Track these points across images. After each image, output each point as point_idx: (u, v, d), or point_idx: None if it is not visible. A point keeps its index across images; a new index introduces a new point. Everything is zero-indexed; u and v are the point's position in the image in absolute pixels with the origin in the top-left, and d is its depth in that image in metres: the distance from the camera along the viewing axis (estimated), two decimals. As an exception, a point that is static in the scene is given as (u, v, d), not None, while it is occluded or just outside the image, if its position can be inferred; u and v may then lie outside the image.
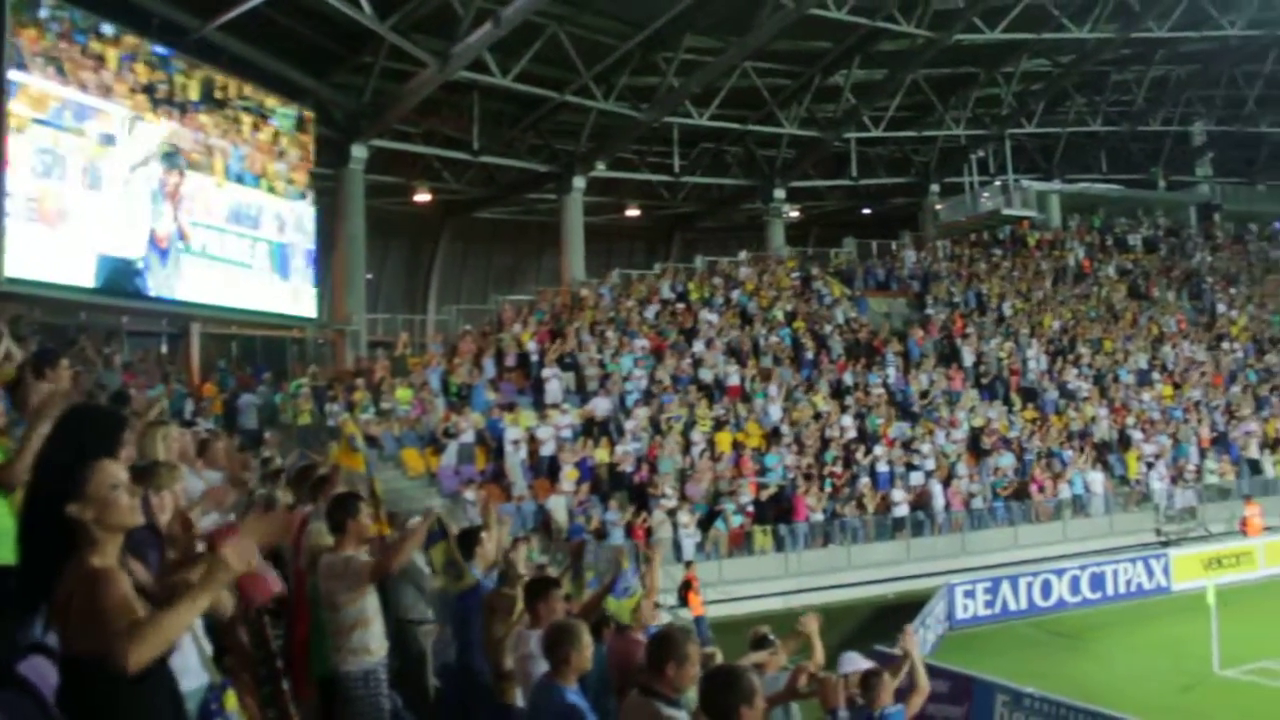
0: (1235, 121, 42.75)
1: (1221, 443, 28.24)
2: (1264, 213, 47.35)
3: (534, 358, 24.71)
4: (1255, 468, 27.72)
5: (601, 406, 23.40)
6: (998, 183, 37.07)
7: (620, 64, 29.18)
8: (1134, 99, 39.66)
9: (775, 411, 24.92)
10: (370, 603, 5.84)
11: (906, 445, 24.98)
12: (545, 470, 21.67)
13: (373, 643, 5.80)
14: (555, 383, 23.79)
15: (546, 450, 21.90)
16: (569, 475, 21.21)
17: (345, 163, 26.95)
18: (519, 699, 5.96)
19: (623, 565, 8.42)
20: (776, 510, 22.48)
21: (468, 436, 21.46)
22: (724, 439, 23.63)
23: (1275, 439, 28.78)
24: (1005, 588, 20.05)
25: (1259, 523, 23.87)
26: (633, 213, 39.23)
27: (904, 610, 17.57)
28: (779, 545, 22.13)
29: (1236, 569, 22.03)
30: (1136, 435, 27.58)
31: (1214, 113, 43.03)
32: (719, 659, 7.71)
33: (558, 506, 20.55)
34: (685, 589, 17.73)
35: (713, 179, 37.09)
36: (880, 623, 18.08)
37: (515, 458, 21.46)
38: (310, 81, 25.39)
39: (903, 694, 7.59)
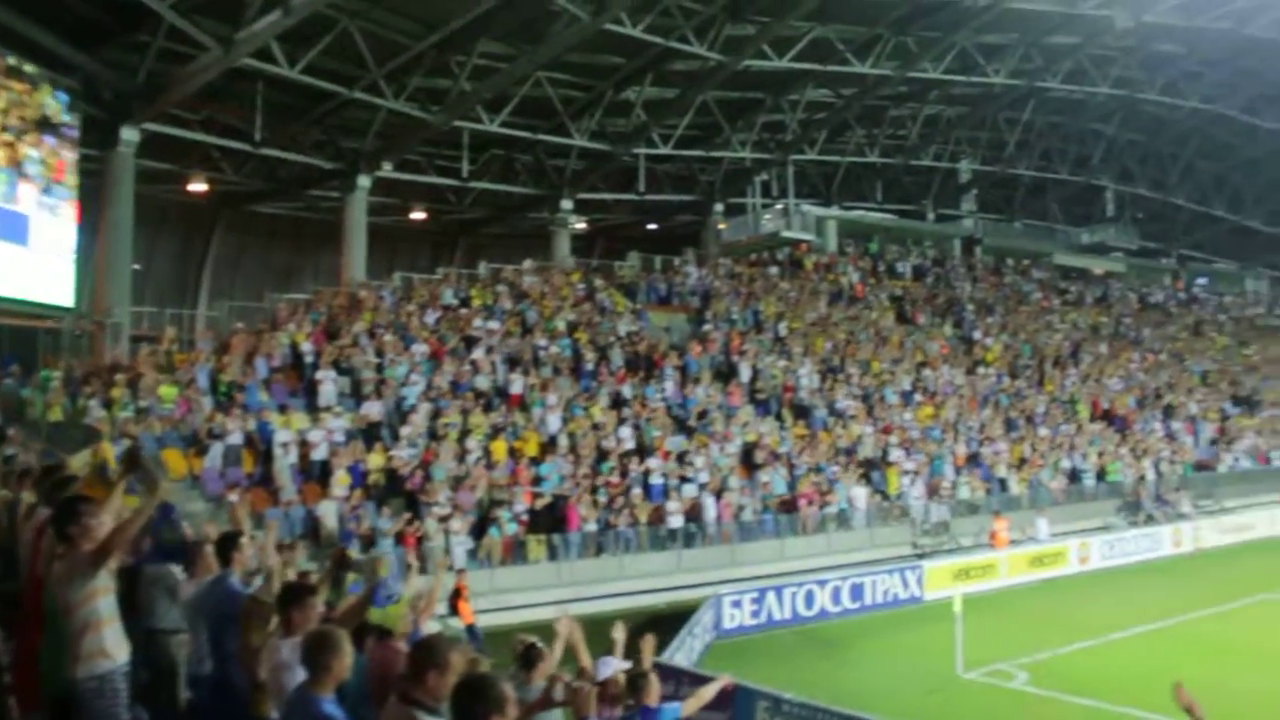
0: (997, 162, 45.83)
1: (974, 461, 29.92)
2: (1020, 248, 50.85)
3: (309, 359, 23.87)
4: (1003, 485, 29.52)
5: (376, 411, 22.80)
6: (779, 205, 38.26)
7: (412, 64, 28.63)
8: (909, 134, 41.85)
9: (553, 421, 24.83)
10: (105, 604, 5.36)
11: (681, 458, 25.34)
12: (316, 475, 20.91)
13: (109, 645, 5.31)
14: (330, 385, 23.03)
15: (318, 454, 21.17)
16: (341, 480, 20.54)
17: (114, 145, 25.32)
18: (274, 710, 5.59)
19: (382, 573, 8.14)
20: (550, 520, 22.37)
21: (235, 438, 20.51)
22: (500, 447, 23.36)
23: (1022, 459, 30.72)
24: (771, 598, 20.52)
25: (1006, 536, 25.43)
26: (418, 215, 38.61)
27: (675, 619, 17.84)
28: (552, 554, 22.01)
29: (982, 579, 23.39)
30: (898, 453, 28.87)
31: (979, 152, 45.96)
32: (486, 668, 7.55)
33: (328, 512, 19.87)
34: (456, 597, 17.40)
35: (501, 186, 36.89)
36: (652, 631, 18.24)
37: (285, 461, 20.61)
38: (78, 56, 23.67)
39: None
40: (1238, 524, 31.20)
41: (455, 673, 4.19)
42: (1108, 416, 35.78)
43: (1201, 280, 60.20)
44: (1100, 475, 31.67)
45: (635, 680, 7.54)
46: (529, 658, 7.47)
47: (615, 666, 8.23)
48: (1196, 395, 40.70)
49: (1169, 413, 37.78)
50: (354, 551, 17.77)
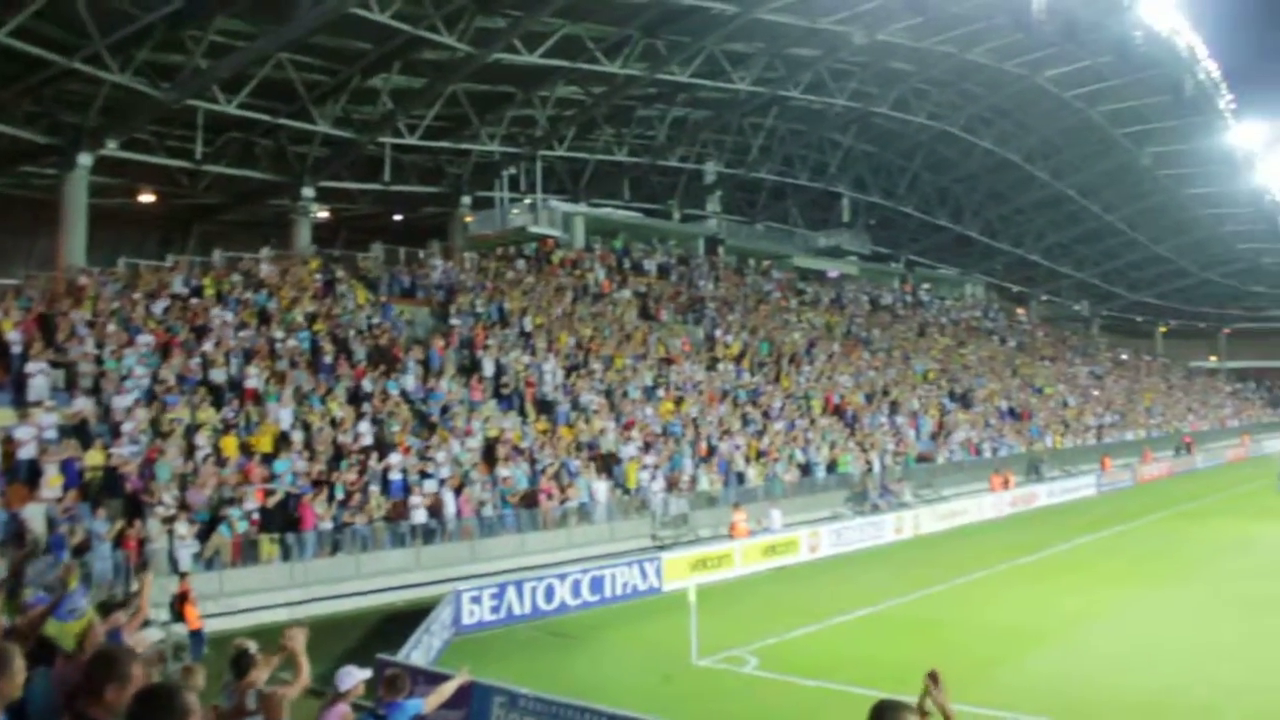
0: (741, 166, 47.30)
1: (713, 455, 30.74)
2: (761, 250, 52.83)
3: (15, 349, 21.86)
4: (740, 478, 30.47)
5: (91, 406, 21.15)
6: (527, 201, 38.13)
7: (141, 36, 26.47)
8: (656, 135, 42.57)
9: (288, 416, 23.78)
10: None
11: (422, 454, 24.80)
12: (23, 474, 19.16)
13: None
14: (41, 379, 21.19)
15: (26, 452, 19.40)
16: (51, 480, 18.94)
17: None
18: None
19: (70, 585, 7.51)
20: (284, 518, 21.41)
21: (-78, 436, 18.55)
22: (230, 443, 22.17)
23: (759, 452, 31.81)
24: (511, 593, 20.29)
25: (745, 527, 26.21)
26: (147, 199, 36.19)
27: (415, 616, 17.36)
28: (285, 554, 21.09)
29: (719, 569, 23.98)
30: (638, 448, 29.29)
31: (724, 155, 47.32)
32: (200, 676, 7.02)
33: (35, 514, 18.26)
34: (180, 601, 16.31)
35: (238, 170, 34.88)
36: (388, 630, 17.76)
37: (-15, 460, 18.82)
38: None
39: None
40: (952, 510, 33.45)
41: (137, 686, 3.76)
42: (839, 411, 37.61)
43: (926, 285, 64.47)
44: (831, 467, 33.21)
45: (393, 680, 7.71)
46: (240, 664, 7.03)
47: (357, 677, 7.89)
48: (919, 392, 43.42)
49: (894, 408, 40.10)
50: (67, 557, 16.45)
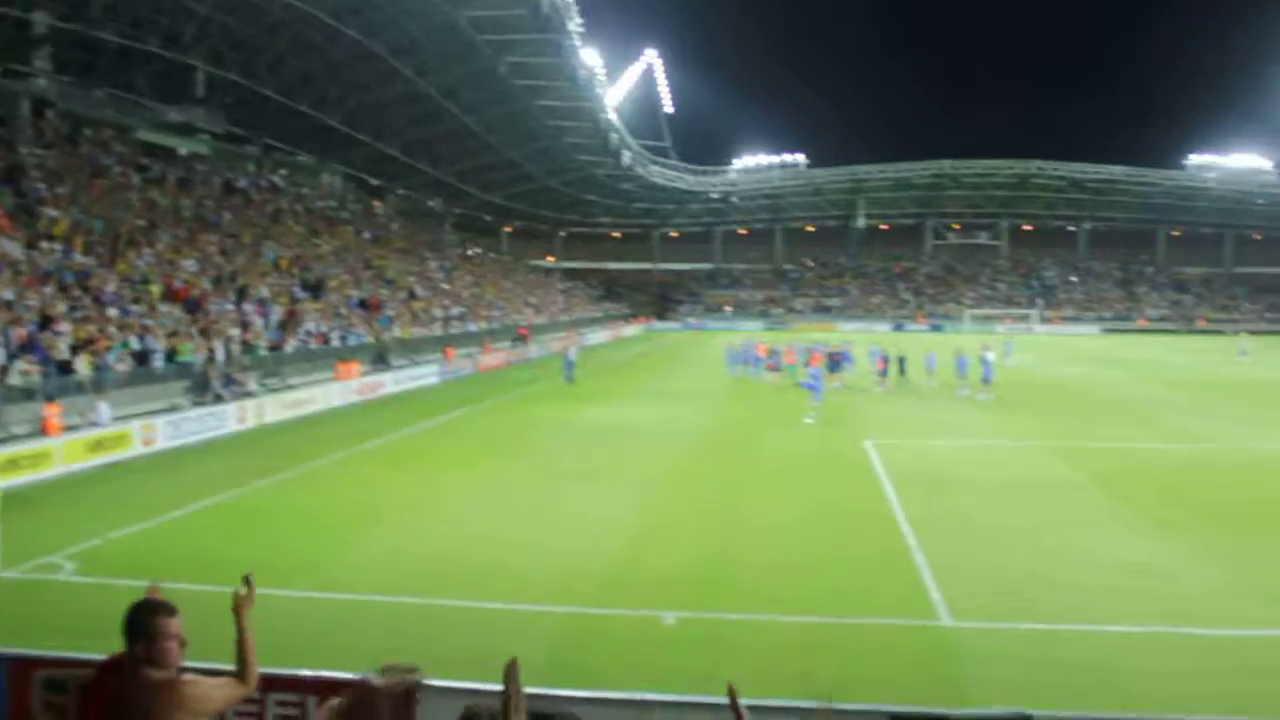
0: (81, 20, 41.76)
1: (33, 344, 27.56)
2: (101, 118, 47.71)
3: None
4: (66, 368, 27.64)
5: None
6: None
7: None
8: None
9: None
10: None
11: None
12: None
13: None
14: None
15: None
16: None
17: None
18: None
19: None
20: None
21: None
22: None
23: (87, 339, 29.06)
24: None
25: (58, 422, 23.91)
26: None
27: None
28: None
29: (35, 469, 21.69)
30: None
31: (58, 6, 41.56)
32: None
33: None
34: None
35: None
36: None
37: None
38: None
39: None
40: (299, 399, 33.36)
41: None
42: (181, 297, 35.52)
43: (283, 171, 62.75)
44: (170, 356, 31.35)
45: None
46: None
47: None
48: (269, 280, 42.37)
49: (242, 295, 38.77)
50: None
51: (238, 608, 4.81)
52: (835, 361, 45.06)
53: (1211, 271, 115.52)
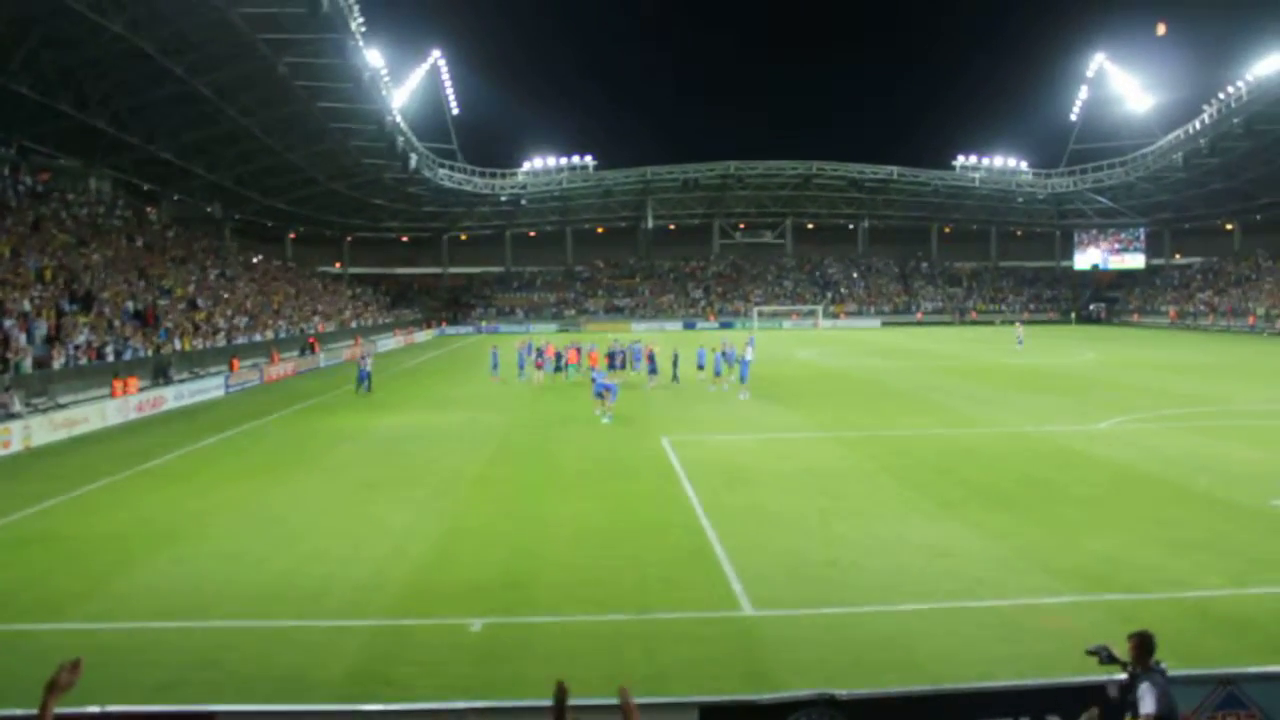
0: None
1: None
2: None
3: None
4: None
5: None
6: None
7: None
8: None
9: None
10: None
11: None
12: None
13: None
14: None
15: None
16: None
17: None
18: None
19: None
20: None
21: None
22: None
23: None
24: None
25: None
26: None
27: None
28: None
29: None
30: None
31: None
32: None
33: None
34: None
35: None
36: None
37: None
38: None
39: None
40: (71, 418, 31.38)
41: None
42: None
43: (44, 175, 58.80)
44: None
45: None
46: None
47: None
48: (33, 293, 39.70)
49: (2, 310, 36.17)
50: None
51: (52, 689, 4.43)
52: (614, 362, 47.28)
53: (980, 265, 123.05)
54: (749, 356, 42.14)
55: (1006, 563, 15.19)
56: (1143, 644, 7.04)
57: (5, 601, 14.00)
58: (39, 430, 29.46)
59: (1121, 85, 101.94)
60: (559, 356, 48.57)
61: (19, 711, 4.56)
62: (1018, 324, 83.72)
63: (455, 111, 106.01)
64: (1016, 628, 12.37)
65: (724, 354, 44.33)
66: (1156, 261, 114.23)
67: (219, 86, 55.67)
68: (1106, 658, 7.08)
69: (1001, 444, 26.74)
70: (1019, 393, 38.61)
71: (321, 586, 14.43)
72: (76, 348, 37.43)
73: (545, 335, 72.62)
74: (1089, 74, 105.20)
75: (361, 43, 55.38)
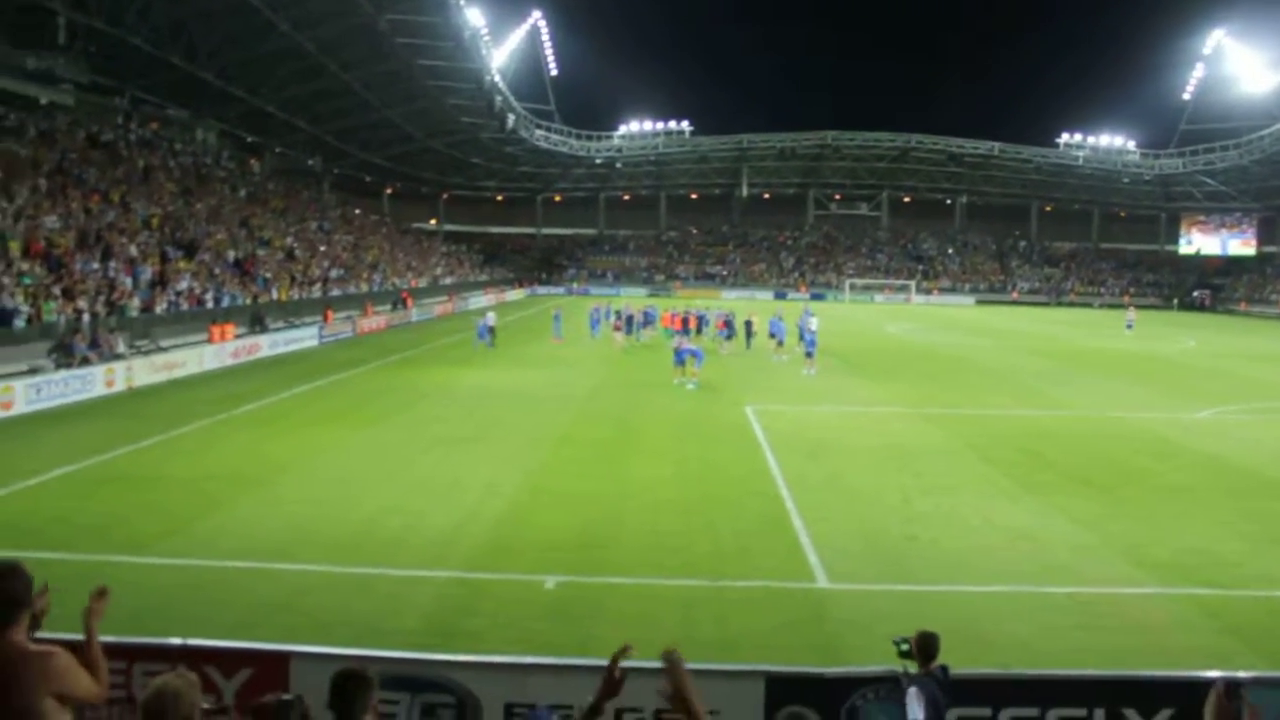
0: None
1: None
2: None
3: None
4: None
5: None
6: None
7: None
8: None
9: None
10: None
11: None
12: None
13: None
14: None
15: None
16: None
17: None
18: None
19: None
20: None
21: None
22: None
23: (-60, 297, 27.70)
24: None
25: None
26: None
27: None
28: None
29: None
30: None
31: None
32: None
33: None
34: None
35: None
36: None
37: None
38: None
39: None
40: (170, 362, 32.31)
41: None
42: (43, 255, 34.01)
43: (154, 125, 60.29)
44: (32, 317, 30.05)
45: None
46: None
47: None
48: (140, 239, 40.84)
49: (109, 254, 37.29)
50: None
51: (88, 618, 4.57)
52: (690, 327, 48.02)
53: (1079, 246, 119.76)
54: (813, 326, 40.35)
55: (1090, 549, 14.83)
56: (920, 644, 6.52)
57: (96, 535, 14.49)
58: (140, 372, 30.40)
59: (1241, 63, 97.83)
60: (630, 320, 48.56)
61: (70, 636, 4.69)
62: (1130, 306, 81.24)
63: (554, 73, 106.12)
64: (1096, 615, 12.08)
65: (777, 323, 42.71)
66: (1269, 249, 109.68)
67: (322, 42, 56.47)
68: (905, 652, 6.52)
69: (1093, 429, 26.09)
70: (1114, 378, 37.59)
71: (400, 537, 14.67)
72: (178, 293, 38.48)
73: (625, 299, 72.59)
74: (1206, 50, 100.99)
75: (463, 1, 55.64)
